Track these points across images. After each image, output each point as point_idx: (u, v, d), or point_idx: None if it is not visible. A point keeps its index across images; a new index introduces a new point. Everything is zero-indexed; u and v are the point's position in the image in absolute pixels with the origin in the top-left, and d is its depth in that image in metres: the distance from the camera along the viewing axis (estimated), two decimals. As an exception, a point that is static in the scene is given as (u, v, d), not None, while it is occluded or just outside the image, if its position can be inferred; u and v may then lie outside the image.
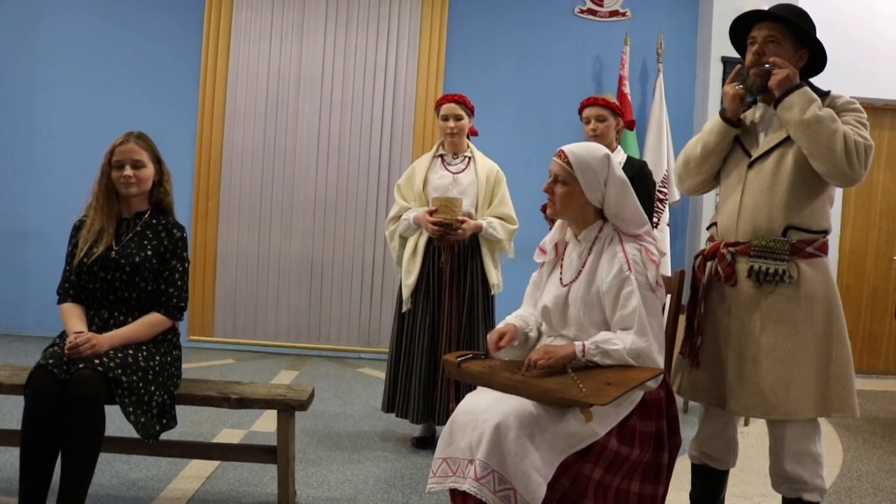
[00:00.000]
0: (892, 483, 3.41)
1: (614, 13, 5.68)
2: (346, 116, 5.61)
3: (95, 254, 2.59)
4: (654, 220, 4.26)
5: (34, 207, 5.66)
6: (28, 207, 5.67)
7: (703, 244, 2.78)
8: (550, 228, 2.42)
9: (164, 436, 2.58)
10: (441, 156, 3.65)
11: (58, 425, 2.29)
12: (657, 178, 4.95)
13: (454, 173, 3.56)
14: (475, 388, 2.21)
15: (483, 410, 1.98)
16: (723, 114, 2.33)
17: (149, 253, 2.63)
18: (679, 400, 2.60)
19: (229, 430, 3.67)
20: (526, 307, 2.39)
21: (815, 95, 2.16)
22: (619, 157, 3.41)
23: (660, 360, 2.10)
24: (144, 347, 2.55)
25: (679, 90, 5.64)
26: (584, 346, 2.08)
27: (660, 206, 5.13)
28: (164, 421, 2.56)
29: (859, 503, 3.14)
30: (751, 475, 3.36)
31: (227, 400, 2.69)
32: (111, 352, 2.43)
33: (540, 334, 2.34)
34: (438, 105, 3.61)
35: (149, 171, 2.68)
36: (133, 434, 2.53)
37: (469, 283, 3.50)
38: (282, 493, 2.76)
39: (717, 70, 5.36)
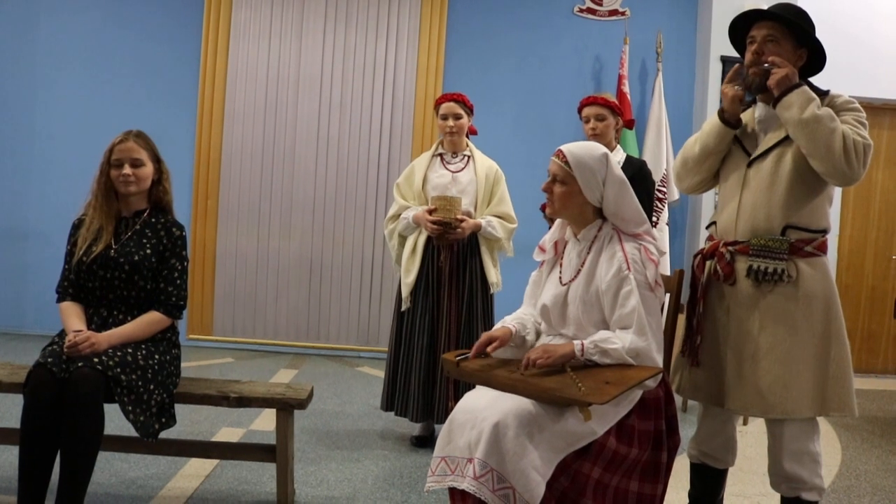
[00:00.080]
0: (891, 482, 3.41)
1: (614, 12, 5.68)
2: (345, 116, 5.61)
3: (94, 252, 2.59)
4: (654, 219, 4.26)
5: (34, 207, 5.66)
6: (28, 207, 5.67)
7: (702, 243, 2.79)
8: (550, 227, 2.42)
9: (163, 434, 2.58)
10: (440, 155, 3.65)
11: (57, 424, 2.29)
12: (656, 177, 4.95)
13: (453, 172, 3.57)
14: (474, 386, 2.21)
15: (482, 409, 1.98)
16: (721, 115, 2.32)
17: (148, 251, 2.63)
18: (678, 399, 2.61)
19: (228, 428, 3.67)
20: (526, 307, 2.39)
21: (813, 95, 2.16)
22: (618, 156, 3.41)
23: (658, 360, 2.10)
24: (143, 346, 2.55)
25: (678, 89, 5.65)
26: (582, 345, 2.08)
27: (659, 205, 5.13)
28: (164, 419, 2.56)
29: (858, 502, 3.15)
30: (749, 474, 3.36)
31: (227, 399, 2.69)
32: (110, 350, 2.43)
33: (538, 336, 2.34)
34: (438, 104, 3.61)
35: (148, 169, 2.68)
36: (132, 432, 2.53)
37: (468, 281, 3.51)
38: (281, 491, 2.76)
39: (716, 69, 5.37)
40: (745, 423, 4.14)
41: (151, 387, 2.49)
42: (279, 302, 5.65)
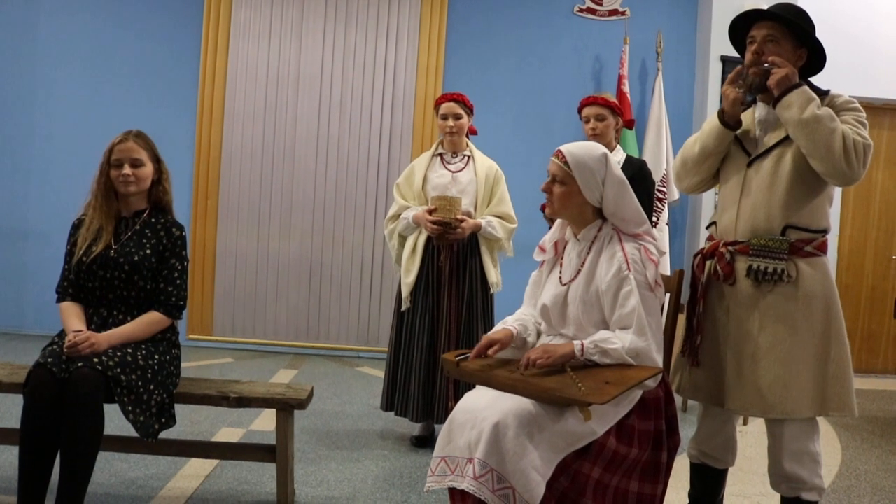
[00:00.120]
0: (891, 482, 3.41)
1: (613, 12, 5.68)
2: (345, 116, 5.61)
3: (94, 252, 2.59)
4: (654, 219, 4.26)
5: (34, 207, 5.66)
6: (28, 207, 5.67)
7: (702, 243, 2.79)
8: (550, 227, 2.42)
9: (163, 434, 2.58)
10: (440, 155, 3.65)
11: (57, 424, 2.29)
12: (656, 177, 4.95)
13: (453, 172, 3.57)
14: (474, 386, 2.21)
15: (482, 409, 1.98)
16: (721, 116, 2.32)
17: (148, 252, 2.63)
18: (678, 399, 2.61)
19: (228, 428, 3.67)
20: (526, 307, 2.39)
21: (813, 94, 2.16)
22: (618, 156, 3.41)
23: (658, 360, 2.10)
24: (143, 346, 2.55)
25: (678, 89, 5.65)
26: (582, 345, 2.08)
27: (659, 205, 5.13)
28: (163, 420, 2.56)
29: (858, 502, 3.15)
30: (749, 474, 3.36)
31: (226, 399, 2.69)
32: (110, 350, 2.43)
33: (539, 337, 2.34)
34: (438, 104, 3.61)
35: (147, 169, 2.68)
36: (132, 433, 2.53)
37: (468, 281, 3.50)
38: (281, 491, 2.76)
39: (716, 69, 5.37)
40: (745, 423, 4.14)
41: (151, 387, 2.49)
42: (279, 302, 5.65)
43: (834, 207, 2.48)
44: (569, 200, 2.20)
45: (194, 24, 5.59)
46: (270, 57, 5.59)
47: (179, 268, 2.69)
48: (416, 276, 3.49)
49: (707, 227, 2.51)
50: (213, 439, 3.47)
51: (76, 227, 2.70)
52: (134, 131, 2.71)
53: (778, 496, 2.35)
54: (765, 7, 2.33)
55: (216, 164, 5.62)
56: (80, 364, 2.33)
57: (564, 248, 2.31)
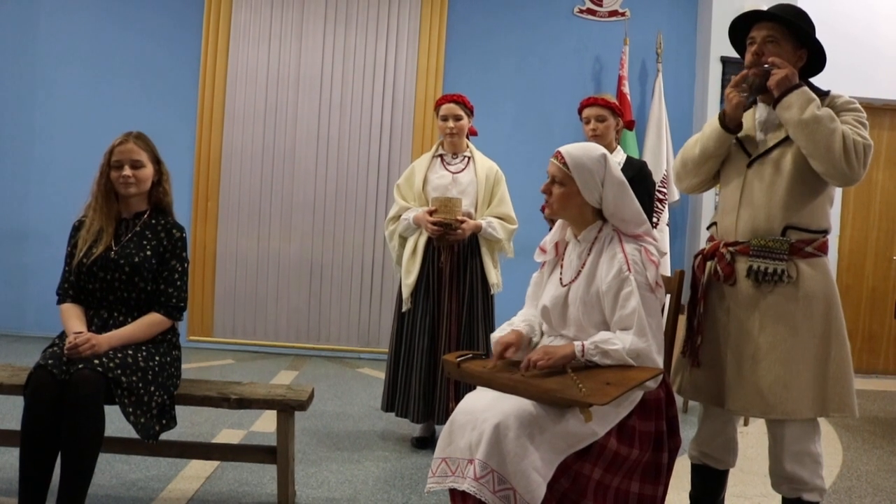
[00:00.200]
0: (892, 483, 3.41)
1: (613, 13, 5.68)
2: (345, 117, 5.61)
3: (95, 254, 2.59)
4: (654, 219, 4.26)
5: (34, 207, 5.66)
6: (28, 207, 5.67)
7: (702, 244, 2.79)
8: (550, 228, 2.42)
9: (164, 436, 2.58)
10: (440, 156, 3.65)
11: (57, 426, 2.29)
12: (657, 178, 4.95)
13: (454, 173, 3.57)
14: (475, 387, 2.21)
15: (482, 410, 1.98)
16: (722, 119, 2.32)
17: (148, 253, 2.63)
18: (679, 400, 2.61)
19: (229, 430, 3.67)
20: (528, 308, 2.39)
21: (813, 95, 2.16)
22: (618, 157, 3.41)
23: (659, 361, 2.10)
24: (144, 348, 2.55)
25: (678, 90, 5.64)
26: (583, 346, 2.08)
27: (659, 205, 5.13)
28: (164, 421, 2.56)
29: (859, 503, 3.14)
30: (750, 475, 3.36)
31: (227, 400, 2.69)
32: (111, 352, 2.43)
33: (543, 337, 2.34)
34: (438, 105, 3.61)
35: (148, 171, 2.68)
36: (133, 434, 2.53)
37: (469, 282, 3.50)
38: (281, 493, 2.76)
39: (716, 70, 5.37)
40: (745, 423, 4.14)
41: (152, 388, 2.49)
42: (279, 303, 5.65)
43: (834, 208, 2.47)
44: (568, 201, 2.20)
45: (194, 25, 5.59)
46: (271, 58, 5.59)
47: (180, 269, 2.69)
48: (416, 277, 3.49)
49: (707, 228, 2.51)
50: (214, 441, 3.47)
51: (76, 228, 2.70)
52: (134, 133, 2.71)
53: (779, 497, 2.35)
54: (765, 8, 2.33)
55: (216, 165, 5.62)
56: (80, 366, 2.33)
57: (565, 249, 2.31)
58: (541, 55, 5.69)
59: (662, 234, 5.11)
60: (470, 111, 3.60)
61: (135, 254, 2.61)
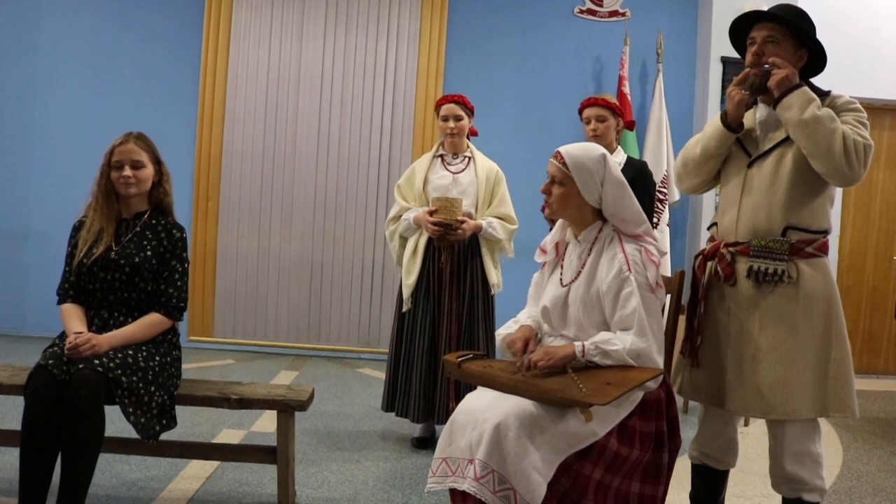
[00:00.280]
0: (892, 483, 3.41)
1: (614, 13, 5.68)
2: (345, 117, 5.61)
3: (95, 254, 2.59)
4: (654, 220, 4.26)
5: (34, 207, 5.66)
6: (28, 207, 5.67)
7: (703, 244, 2.79)
8: (551, 228, 2.42)
9: (164, 436, 2.58)
10: (441, 156, 3.65)
11: (57, 426, 2.29)
12: (657, 178, 4.94)
13: (454, 173, 3.57)
14: (475, 387, 2.21)
15: (483, 410, 1.98)
16: (724, 118, 2.32)
17: (148, 253, 2.63)
18: (679, 400, 2.60)
19: (229, 430, 3.67)
20: (530, 308, 2.39)
21: (814, 95, 2.16)
22: (619, 157, 3.41)
23: (659, 361, 2.10)
24: (144, 348, 2.55)
25: (679, 90, 5.64)
26: (583, 346, 2.08)
27: (660, 206, 5.13)
28: (164, 421, 2.56)
29: (859, 503, 3.14)
30: (751, 475, 3.36)
31: (227, 400, 2.69)
32: (111, 352, 2.43)
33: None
34: (438, 105, 3.61)
35: (148, 171, 2.68)
36: (133, 434, 2.53)
37: (469, 282, 3.50)
38: (282, 493, 2.76)
39: (716, 70, 5.36)
40: (746, 424, 4.14)
41: (152, 388, 2.49)
42: (280, 303, 5.65)
43: (835, 208, 2.47)
44: (567, 201, 2.20)
45: (195, 24, 5.59)
46: (271, 58, 5.59)
47: (180, 269, 2.69)
48: (416, 278, 3.49)
49: (708, 228, 2.51)
50: (214, 441, 3.47)
51: (77, 228, 2.70)
52: (134, 133, 2.71)
53: (779, 497, 2.35)
54: (765, 8, 2.33)
55: (217, 165, 5.62)
56: (80, 366, 2.33)
57: (565, 249, 2.31)
58: (541, 55, 5.69)
59: (663, 235, 5.11)
60: (470, 111, 3.60)
61: (135, 254, 2.61)
